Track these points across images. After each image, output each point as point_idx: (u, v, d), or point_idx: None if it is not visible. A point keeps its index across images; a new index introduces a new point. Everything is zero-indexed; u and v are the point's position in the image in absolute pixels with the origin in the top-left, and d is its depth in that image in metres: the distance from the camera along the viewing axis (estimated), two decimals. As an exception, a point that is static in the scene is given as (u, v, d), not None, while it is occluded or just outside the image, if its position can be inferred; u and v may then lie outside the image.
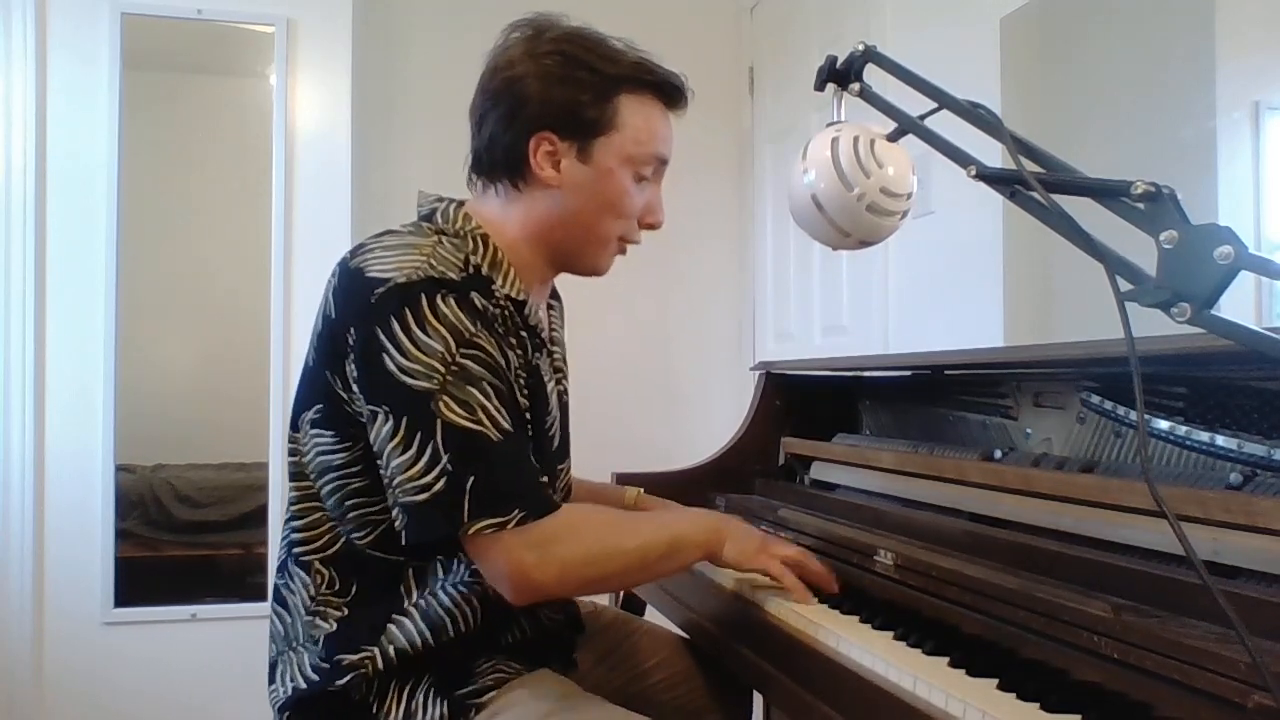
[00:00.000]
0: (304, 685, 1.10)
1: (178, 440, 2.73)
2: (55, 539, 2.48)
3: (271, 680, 1.15)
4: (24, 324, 2.45)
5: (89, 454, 2.49)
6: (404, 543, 1.01)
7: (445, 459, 0.97)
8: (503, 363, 1.04)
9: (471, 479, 0.97)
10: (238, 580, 2.67)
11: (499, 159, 1.13)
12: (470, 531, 0.98)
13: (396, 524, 1.02)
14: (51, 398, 2.48)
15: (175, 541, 2.68)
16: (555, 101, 1.10)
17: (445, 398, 0.98)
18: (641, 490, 1.46)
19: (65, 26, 2.50)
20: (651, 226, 1.20)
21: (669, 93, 1.16)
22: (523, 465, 1.03)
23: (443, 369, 0.98)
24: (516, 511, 0.98)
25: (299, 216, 2.61)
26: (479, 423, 0.99)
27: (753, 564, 1.16)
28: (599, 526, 1.09)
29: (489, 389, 1.00)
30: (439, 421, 0.98)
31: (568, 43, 1.12)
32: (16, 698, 2.43)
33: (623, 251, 1.21)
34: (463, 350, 1.00)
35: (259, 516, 2.61)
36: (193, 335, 2.80)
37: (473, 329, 1.01)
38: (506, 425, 1.01)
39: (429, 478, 0.98)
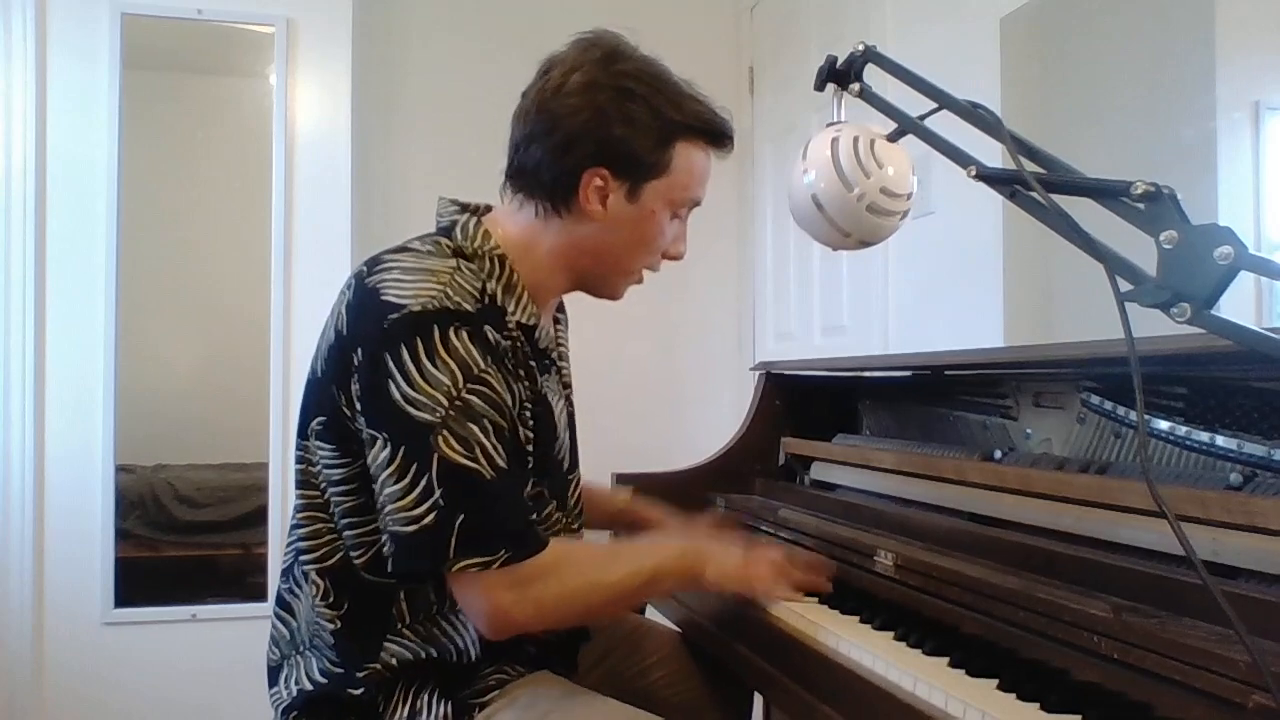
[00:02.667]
0: (310, 687, 1.10)
1: (178, 440, 2.72)
2: (55, 539, 2.47)
3: (274, 683, 1.16)
4: (24, 324, 2.44)
5: (89, 454, 2.49)
6: (389, 569, 1.02)
7: (438, 494, 0.97)
8: (507, 399, 1.04)
9: (461, 516, 0.98)
10: (238, 580, 2.67)
11: (545, 183, 1.11)
12: (454, 569, 0.98)
13: (385, 549, 1.02)
14: (51, 398, 2.48)
15: (175, 542, 2.68)
16: (615, 140, 1.08)
17: (445, 432, 0.98)
18: (634, 491, 1.45)
19: (65, 26, 2.49)
20: (674, 257, 1.21)
21: (719, 140, 1.17)
22: (513, 505, 1.03)
23: (446, 403, 0.98)
24: (502, 552, 0.99)
25: (299, 216, 2.61)
26: (475, 460, 0.99)
27: (735, 586, 1.15)
28: (580, 563, 1.08)
29: (489, 426, 1.00)
30: (436, 456, 0.97)
31: (636, 80, 1.09)
32: (16, 698, 2.43)
33: (640, 280, 1.21)
34: (469, 385, 0.99)
35: (259, 517, 2.61)
36: (193, 335, 2.79)
37: (482, 364, 1.01)
38: (501, 463, 1.00)
39: (420, 510, 0.98)
